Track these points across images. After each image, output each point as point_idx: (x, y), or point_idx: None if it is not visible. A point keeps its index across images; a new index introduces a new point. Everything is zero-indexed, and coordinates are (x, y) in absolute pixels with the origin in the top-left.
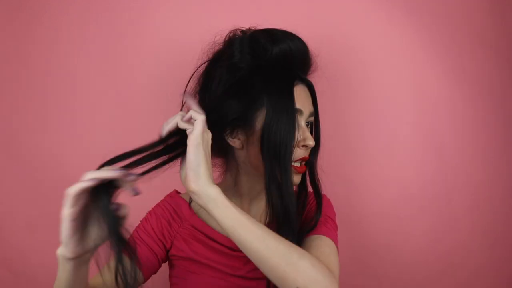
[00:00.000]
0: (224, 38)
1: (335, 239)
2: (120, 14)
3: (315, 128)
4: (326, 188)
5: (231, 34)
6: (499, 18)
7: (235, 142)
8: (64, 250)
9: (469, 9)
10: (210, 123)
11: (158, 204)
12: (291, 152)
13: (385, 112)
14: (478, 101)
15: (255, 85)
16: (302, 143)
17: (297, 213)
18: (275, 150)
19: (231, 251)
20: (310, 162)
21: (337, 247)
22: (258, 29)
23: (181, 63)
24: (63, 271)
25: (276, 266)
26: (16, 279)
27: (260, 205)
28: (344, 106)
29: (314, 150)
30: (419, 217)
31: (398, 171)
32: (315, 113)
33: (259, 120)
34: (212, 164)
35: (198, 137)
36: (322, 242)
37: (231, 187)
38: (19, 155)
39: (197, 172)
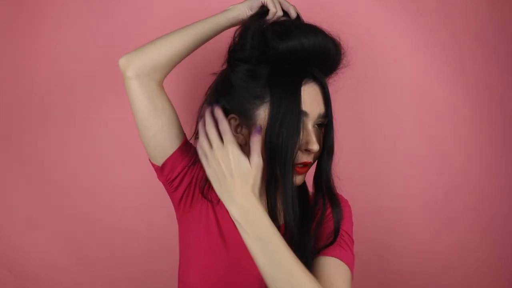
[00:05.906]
0: (237, 29)
1: (351, 263)
2: (125, 12)
3: (327, 131)
4: None
5: (245, 26)
6: (498, 18)
7: (238, 137)
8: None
9: (469, 9)
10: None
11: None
12: (292, 156)
13: (386, 112)
14: (478, 101)
15: (259, 79)
16: (304, 147)
17: (313, 222)
18: (277, 153)
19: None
20: (324, 170)
21: (352, 272)
22: (274, 21)
23: (183, 62)
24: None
25: None
26: (16, 279)
27: (260, 199)
28: (343, 106)
29: (327, 157)
30: (419, 217)
31: (398, 172)
32: (328, 115)
33: (261, 116)
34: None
35: None
36: (335, 270)
37: None
38: (19, 155)
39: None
